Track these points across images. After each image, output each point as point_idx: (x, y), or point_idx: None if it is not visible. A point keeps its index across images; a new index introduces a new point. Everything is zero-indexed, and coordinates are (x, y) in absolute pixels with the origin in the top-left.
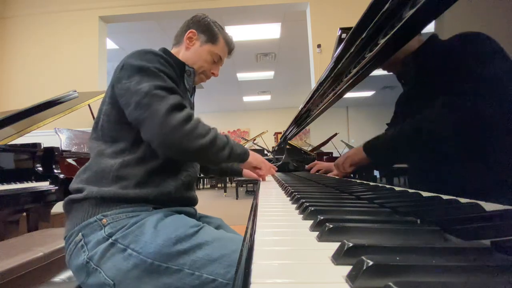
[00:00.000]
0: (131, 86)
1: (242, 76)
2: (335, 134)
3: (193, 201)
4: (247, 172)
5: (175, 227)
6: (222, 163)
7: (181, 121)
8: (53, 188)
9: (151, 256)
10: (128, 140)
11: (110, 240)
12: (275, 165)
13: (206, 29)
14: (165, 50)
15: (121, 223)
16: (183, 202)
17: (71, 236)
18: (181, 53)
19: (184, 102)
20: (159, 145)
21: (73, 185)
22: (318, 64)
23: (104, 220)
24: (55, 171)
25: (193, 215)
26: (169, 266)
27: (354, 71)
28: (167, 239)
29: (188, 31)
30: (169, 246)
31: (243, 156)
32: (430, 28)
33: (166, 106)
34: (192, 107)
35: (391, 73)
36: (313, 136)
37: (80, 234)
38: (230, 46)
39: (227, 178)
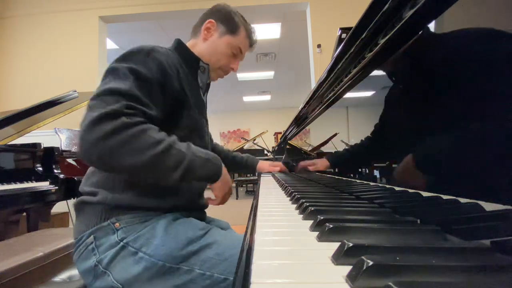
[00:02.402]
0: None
1: (242, 76)
2: (335, 134)
3: (204, 207)
4: (264, 167)
5: (185, 229)
6: (177, 183)
7: (105, 134)
8: (53, 188)
9: (162, 258)
10: None
11: (121, 244)
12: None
13: (226, 19)
14: (178, 43)
15: (134, 228)
16: (195, 208)
17: (82, 238)
18: (198, 45)
19: (131, 109)
20: (82, 158)
21: (84, 187)
22: (318, 64)
23: (117, 224)
24: (55, 171)
25: (203, 219)
26: (180, 267)
27: (354, 71)
28: (178, 242)
29: (207, 21)
30: (180, 248)
31: (210, 178)
32: (430, 28)
33: (97, 113)
34: (204, 105)
35: (390, 71)
36: (313, 136)
37: (92, 236)
38: (252, 39)
39: None
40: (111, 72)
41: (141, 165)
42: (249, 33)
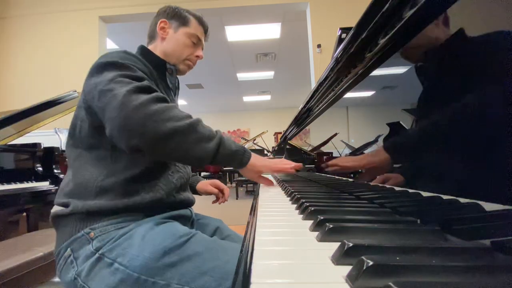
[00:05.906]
0: (97, 79)
1: (242, 76)
2: (335, 134)
3: (189, 203)
4: (204, 187)
5: (163, 237)
6: (207, 161)
7: (146, 101)
8: (53, 188)
9: (137, 270)
10: (108, 147)
11: (97, 255)
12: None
13: (175, 14)
14: (142, 48)
15: (109, 236)
16: (176, 206)
17: (60, 252)
18: (159, 46)
19: (154, 87)
20: (119, 132)
21: (58, 199)
22: (318, 64)
23: (91, 233)
24: (55, 171)
25: (188, 218)
26: (156, 281)
27: (354, 71)
28: (154, 252)
29: (159, 22)
30: (156, 259)
31: (240, 155)
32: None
33: (128, 87)
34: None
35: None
36: (313, 136)
37: (69, 249)
38: (203, 25)
39: (227, 178)
40: (107, 65)
41: (179, 130)
42: (199, 21)
